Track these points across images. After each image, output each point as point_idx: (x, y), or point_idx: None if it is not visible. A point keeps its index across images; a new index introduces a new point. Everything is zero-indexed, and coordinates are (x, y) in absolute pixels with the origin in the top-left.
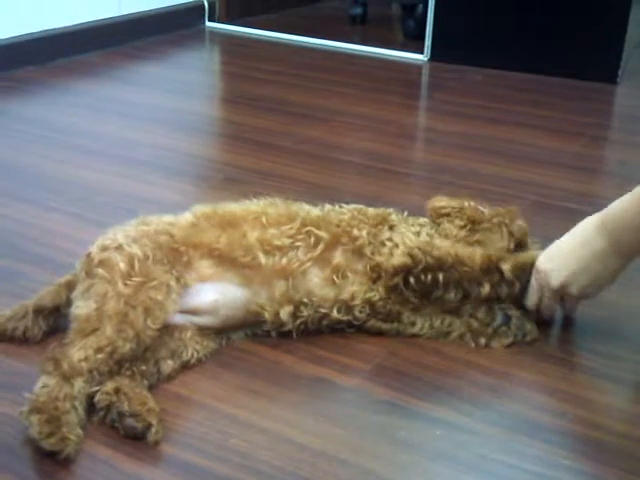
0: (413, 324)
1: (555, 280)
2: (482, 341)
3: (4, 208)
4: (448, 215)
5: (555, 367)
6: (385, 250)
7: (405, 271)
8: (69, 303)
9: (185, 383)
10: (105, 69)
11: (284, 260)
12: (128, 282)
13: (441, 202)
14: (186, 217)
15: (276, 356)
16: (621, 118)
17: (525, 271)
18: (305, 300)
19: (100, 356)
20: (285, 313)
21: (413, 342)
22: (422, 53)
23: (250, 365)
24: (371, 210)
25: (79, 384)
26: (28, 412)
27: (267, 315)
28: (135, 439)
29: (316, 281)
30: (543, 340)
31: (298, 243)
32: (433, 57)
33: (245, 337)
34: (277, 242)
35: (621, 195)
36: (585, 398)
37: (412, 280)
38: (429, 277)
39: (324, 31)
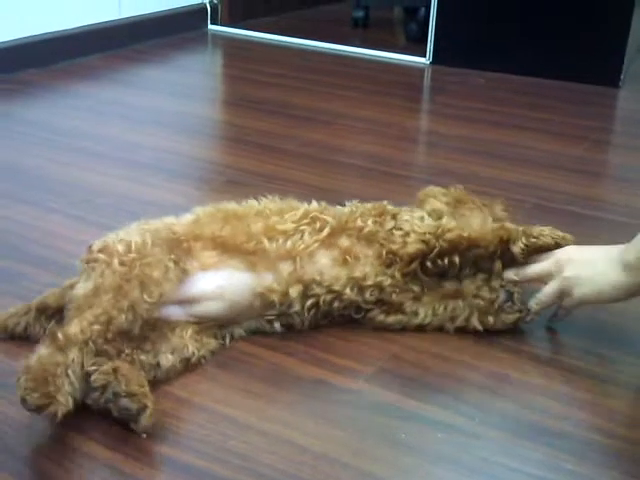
0: (416, 314)
1: (578, 290)
2: (490, 320)
3: (6, 210)
4: (434, 196)
5: (558, 371)
6: (397, 239)
7: (421, 257)
8: None
9: (185, 385)
10: (106, 72)
11: (289, 243)
12: (124, 259)
13: (430, 188)
14: (187, 216)
15: (276, 358)
16: (623, 121)
17: (535, 253)
18: (317, 278)
19: (96, 327)
20: (295, 291)
21: (415, 345)
22: (424, 56)
23: (250, 367)
24: (367, 204)
25: (73, 353)
26: (18, 377)
27: (275, 296)
28: (127, 421)
29: (325, 262)
30: (546, 344)
31: (303, 227)
32: (435, 60)
33: (246, 334)
34: (281, 227)
35: (622, 198)
36: (588, 402)
37: (429, 264)
38: (446, 260)
39: (326, 34)
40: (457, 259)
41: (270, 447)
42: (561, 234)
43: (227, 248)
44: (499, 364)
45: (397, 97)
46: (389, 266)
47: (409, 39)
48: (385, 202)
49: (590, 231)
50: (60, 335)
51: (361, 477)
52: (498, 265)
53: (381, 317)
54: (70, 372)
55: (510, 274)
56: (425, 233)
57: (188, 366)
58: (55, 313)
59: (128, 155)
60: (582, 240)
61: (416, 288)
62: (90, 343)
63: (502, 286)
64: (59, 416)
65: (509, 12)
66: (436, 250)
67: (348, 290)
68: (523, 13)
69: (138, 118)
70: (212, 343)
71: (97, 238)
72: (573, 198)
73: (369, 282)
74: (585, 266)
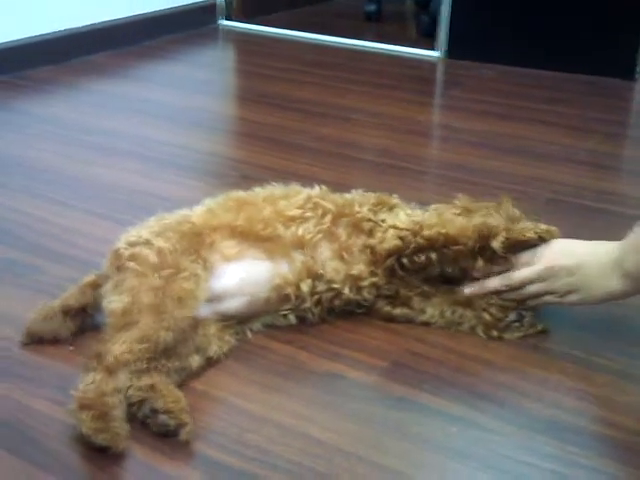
0: (423, 311)
1: (573, 296)
2: (494, 333)
3: (22, 205)
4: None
5: (573, 366)
6: (378, 234)
7: (397, 253)
8: (95, 302)
9: (203, 378)
10: (119, 68)
11: (300, 230)
12: (160, 274)
13: (437, 206)
14: (199, 208)
15: (292, 352)
16: (638, 115)
17: (517, 248)
18: (321, 272)
19: (143, 346)
20: (305, 285)
21: (428, 339)
22: (436, 50)
23: (266, 361)
24: (371, 194)
25: (123, 377)
26: (77, 409)
27: (290, 289)
28: (166, 437)
29: (327, 254)
30: (560, 339)
31: (308, 214)
32: (448, 54)
33: (263, 328)
34: (289, 213)
35: (636, 191)
36: (603, 397)
37: (405, 261)
38: (422, 258)
39: (338, 28)
40: (434, 256)
41: (286, 440)
42: (545, 227)
43: (245, 236)
44: (513, 359)
45: (409, 91)
46: (374, 264)
47: (421, 33)
48: (395, 195)
49: (602, 224)
50: (109, 358)
51: (376, 470)
52: (479, 263)
53: (387, 308)
54: (121, 398)
55: (466, 290)
56: (403, 229)
57: (211, 362)
58: (78, 313)
59: (141, 150)
60: (594, 234)
61: (426, 287)
62: (137, 364)
63: (515, 308)
64: (123, 452)
65: (522, 5)
66: (412, 246)
67: (347, 289)
68: (535, 6)
69: (151, 114)
70: (231, 341)
71: (111, 233)
72: (586, 192)
73: (365, 282)
74: (580, 273)
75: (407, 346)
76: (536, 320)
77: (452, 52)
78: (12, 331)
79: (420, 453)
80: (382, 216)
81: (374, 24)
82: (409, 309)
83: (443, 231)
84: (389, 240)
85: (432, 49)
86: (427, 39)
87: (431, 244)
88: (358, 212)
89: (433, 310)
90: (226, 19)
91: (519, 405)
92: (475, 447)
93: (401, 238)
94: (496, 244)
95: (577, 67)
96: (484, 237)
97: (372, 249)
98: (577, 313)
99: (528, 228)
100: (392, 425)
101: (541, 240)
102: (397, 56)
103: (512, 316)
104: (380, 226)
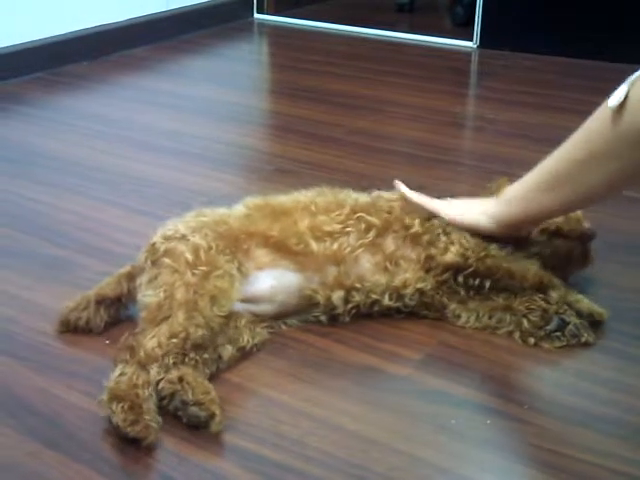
0: (459, 317)
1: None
2: (531, 341)
3: (58, 200)
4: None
5: (606, 356)
6: (441, 244)
7: (455, 269)
8: (130, 293)
9: (237, 371)
10: (155, 63)
11: (335, 245)
12: (195, 271)
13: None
14: (239, 209)
15: (326, 345)
16: None
17: (567, 306)
18: (357, 285)
19: (174, 341)
20: (337, 298)
21: (463, 332)
22: (471, 40)
23: (300, 353)
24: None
25: (154, 371)
26: (109, 400)
27: (320, 298)
28: (197, 428)
29: (368, 267)
30: (594, 330)
31: (349, 229)
32: (482, 44)
33: (297, 324)
34: (327, 228)
35: None
36: (637, 387)
37: (460, 279)
38: (477, 281)
39: (372, 20)
40: (488, 283)
41: (320, 432)
42: (597, 309)
43: (278, 248)
44: (547, 351)
45: (444, 82)
46: (428, 271)
47: (455, 23)
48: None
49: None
50: (141, 352)
51: (412, 462)
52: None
53: (424, 313)
54: (152, 391)
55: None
56: (468, 249)
57: (243, 354)
58: (113, 303)
59: (176, 145)
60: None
61: (463, 292)
62: (167, 359)
63: (558, 314)
64: (155, 444)
65: None
66: (471, 269)
67: (386, 299)
68: None
69: (186, 108)
70: (263, 332)
71: (146, 227)
72: None
73: (408, 290)
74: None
75: (441, 338)
76: (580, 330)
77: (486, 42)
78: (50, 326)
79: (456, 445)
80: (440, 230)
81: (407, 15)
82: (444, 315)
83: (505, 266)
84: (451, 254)
85: (466, 39)
86: (461, 29)
87: (489, 273)
88: (410, 226)
89: (468, 315)
90: (260, 12)
91: (553, 397)
92: (510, 439)
93: (464, 256)
94: (553, 295)
95: (614, 55)
96: (542, 286)
97: (432, 257)
98: (612, 305)
99: (582, 302)
100: (427, 417)
101: (590, 317)
102: (431, 47)
103: (554, 324)
104: (440, 239)
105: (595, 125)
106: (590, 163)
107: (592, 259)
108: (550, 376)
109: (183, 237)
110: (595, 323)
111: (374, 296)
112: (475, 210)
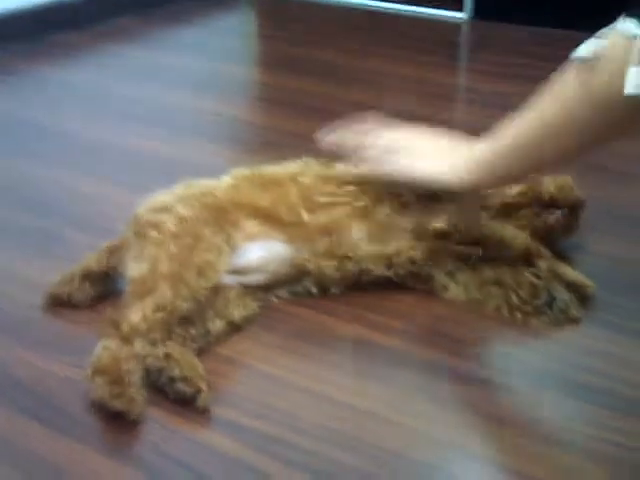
0: (446, 289)
1: None
2: (517, 316)
3: (46, 171)
4: None
5: (602, 330)
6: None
7: (446, 237)
8: (116, 267)
9: (227, 343)
10: (143, 33)
11: (326, 217)
12: (180, 243)
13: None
14: (226, 180)
15: (316, 317)
16: None
17: (555, 277)
18: (349, 254)
19: (159, 315)
20: (329, 267)
21: (453, 304)
22: (462, 11)
23: (290, 326)
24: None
25: (139, 344)
26: (93, 374)
27: (311, 266)
28: (184, 404)
29: (360, 236)
30: (590, 303)
31: (340, 199)
32: (474, 15)
33: (287, 296)
34: (319, 198)
35: None
36: (634, 361)
37: (451, 247)
38: (467, 249)
39: None
40: (480, 252)
41: (312, 404)
42: (584, 281)
43: (268, 219)
44: (542, 323)
45: (434, 54)
46: (419, 239)
47: None
48: None
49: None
50: (124, 325)
51: (405, 432)
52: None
53: (412, 285)
54: (137, 364)
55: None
56: None
57: (233, 327)
58: (99, 277)
59: (165, 117)
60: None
61: (450, 265)
62: (153, 332)
63: (547, 288)
64: (140, 417)
65: None
66: (461, 236)
67: (378, 267)
68: None
69: (175, 80)
70: (253, 305)
71: (136, 200)
72: (629, 159)
73: (400, 258)
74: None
75: (435, 310)
76: (569, 305)
77: (478, 13)
78: (37, 298)
79: (449, 415)
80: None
81: None
82: (431, 286)
83: (496, 234)
84: (442, 222)
85: (458, 10)
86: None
87: (481, 240)
88: (400, 195)
89: (457, 288)
90: None
91: (548, 369)
92: (502, 409)
93: (454, 224)
94: (541, 265)
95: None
96: (530, 255)
97: (422, 225)
98: (612, 280)
99: (569, 274)
100: (419, 388)
101: (575, 288)
102: (421, 18)
103: (542, 298)
104: (433, 207)
105: (566, 88)
106: (565, 127)
107: (578, 227)
108: (543, 348)
109: (168, 208)
110: (585, 297)
111: (366, 265)
112: (442, 159)
